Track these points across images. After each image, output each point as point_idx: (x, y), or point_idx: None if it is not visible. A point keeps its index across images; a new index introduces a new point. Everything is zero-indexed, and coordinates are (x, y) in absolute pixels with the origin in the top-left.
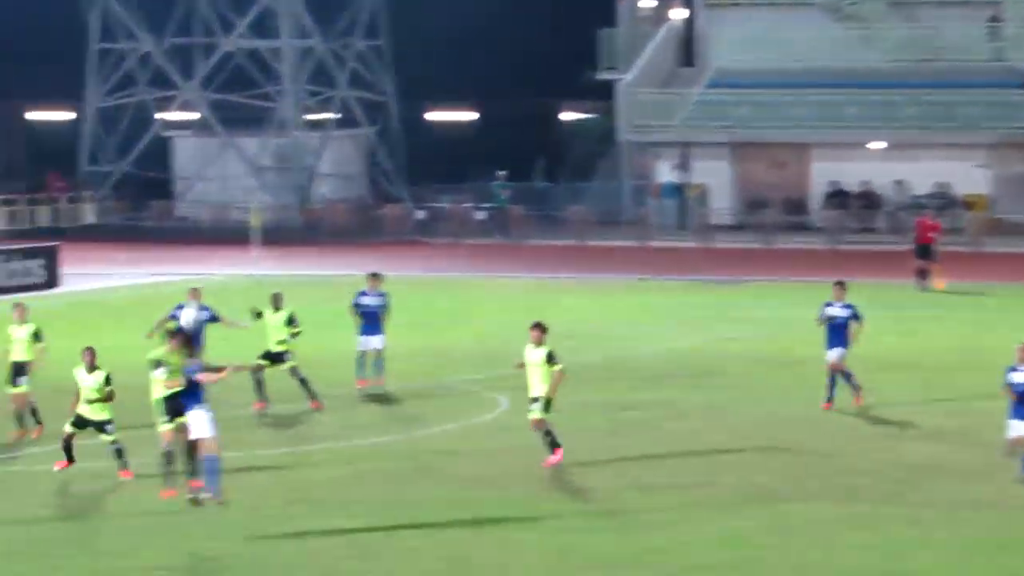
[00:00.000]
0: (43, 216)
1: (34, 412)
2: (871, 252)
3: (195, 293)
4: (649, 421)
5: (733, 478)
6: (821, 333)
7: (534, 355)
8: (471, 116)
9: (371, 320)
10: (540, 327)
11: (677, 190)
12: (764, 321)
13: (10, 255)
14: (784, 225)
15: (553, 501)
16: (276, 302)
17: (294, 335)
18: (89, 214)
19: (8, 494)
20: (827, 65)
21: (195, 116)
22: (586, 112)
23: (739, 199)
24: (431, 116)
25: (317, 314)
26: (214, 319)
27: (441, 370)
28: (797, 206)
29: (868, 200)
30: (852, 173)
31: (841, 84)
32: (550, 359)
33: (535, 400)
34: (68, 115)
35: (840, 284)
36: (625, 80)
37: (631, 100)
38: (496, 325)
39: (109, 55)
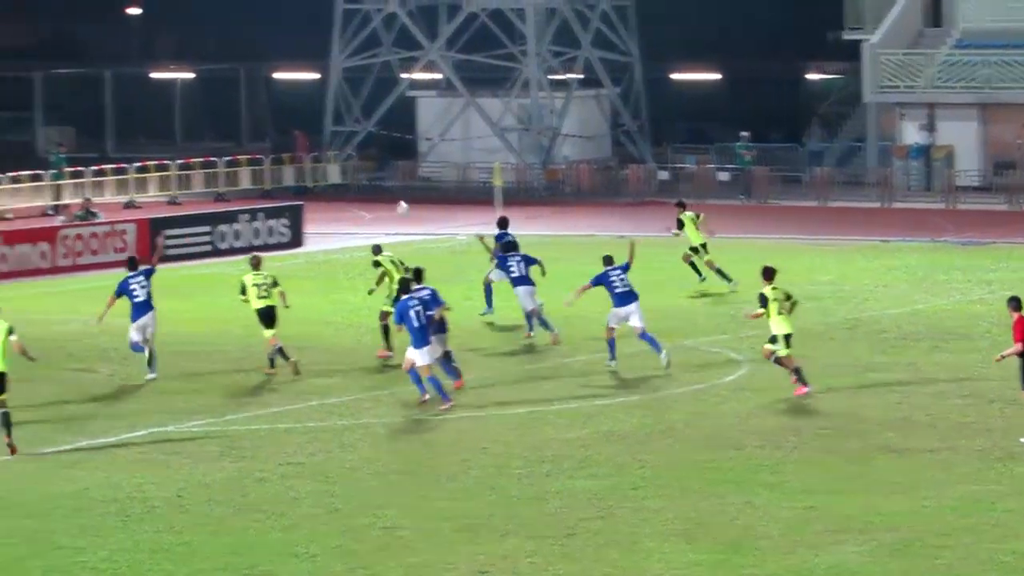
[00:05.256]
0: (288, 176)
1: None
2: None
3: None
4: (892, 383)
5: (976, 442)
6: None
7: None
8: (715, 77)
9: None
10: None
11: (923, 151)
12: (1010, 283)
13: (255, 214)
14: None
15: (797, 463)
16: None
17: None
18: (333, 174)
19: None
20: None
21: (438, 77)
22: (831, 73)
23: (986, 160)
24: (675, 76)
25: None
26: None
27: (684, 331)
28: None
29: None
30: None
31: None
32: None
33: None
34: (313, 76)
35: None
36: (871, 40)
37: (877, 61)
38: (739, 287)
39: (354, 16)
